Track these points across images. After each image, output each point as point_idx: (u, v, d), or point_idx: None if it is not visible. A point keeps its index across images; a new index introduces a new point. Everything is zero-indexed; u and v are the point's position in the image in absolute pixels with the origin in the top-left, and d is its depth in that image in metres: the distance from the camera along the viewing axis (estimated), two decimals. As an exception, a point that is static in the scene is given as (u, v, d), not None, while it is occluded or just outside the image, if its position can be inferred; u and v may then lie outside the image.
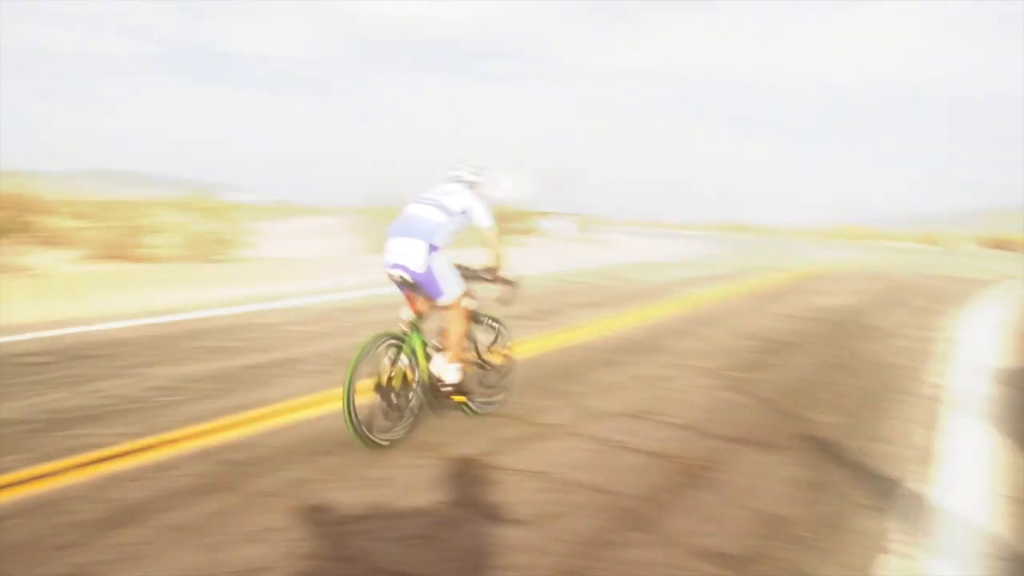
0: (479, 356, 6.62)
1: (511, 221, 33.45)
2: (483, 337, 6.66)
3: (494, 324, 6.75)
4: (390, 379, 5.74)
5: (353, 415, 5.37)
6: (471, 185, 6.26)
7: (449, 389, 6.10)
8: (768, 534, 4.40)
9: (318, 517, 4.36)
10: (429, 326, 6.16)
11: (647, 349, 9.77)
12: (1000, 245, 60.98)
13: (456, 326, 6.07)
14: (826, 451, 5.98)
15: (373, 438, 5.48)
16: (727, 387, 7.91)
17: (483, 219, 6.15)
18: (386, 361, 5.74)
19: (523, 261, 23.24)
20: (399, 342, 5.85)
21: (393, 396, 5.74)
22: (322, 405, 6.54)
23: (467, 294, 6.12)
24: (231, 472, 4.99)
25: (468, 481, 5.03)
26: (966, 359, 10.09)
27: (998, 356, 10.45)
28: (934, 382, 8.59)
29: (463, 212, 6.05)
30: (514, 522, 4.39)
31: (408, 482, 4.94)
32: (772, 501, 4.90)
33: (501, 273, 6.41)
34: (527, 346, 9.33)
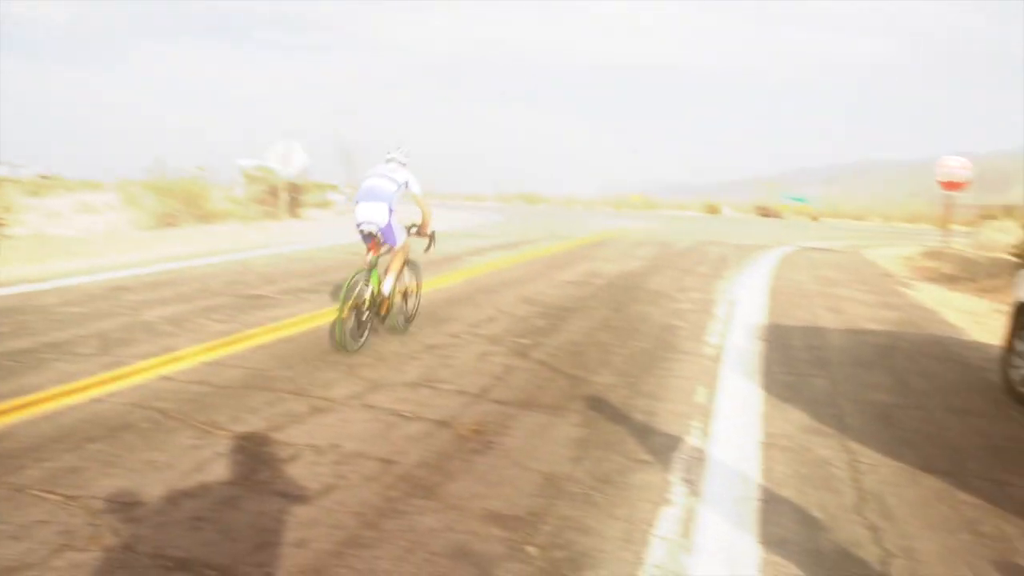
0: (404, 289, 8.96)
1: (304, 193, 32.75)
2: (407, 276, 9.03)
3: (414, 267, 9.27)
4: (361, 302, 7.92)
5: (343, 329, 7.58)
6: (405, 165, 8.60)
7: (383, 297, 8.35)
8: (553, 494, 4.55)
9: (92, 506, 4.12)
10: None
11: (434, 318, 9.80)
12: (767, 213, 65.65)
13: (398, 258, 8.56)
14: (608, 411, 6.25)
15: (349, 345, 7.65)
16: (512, 353, 8.10)
17: (417, 188, 8.56)
18: (358, 290, 7.86)
19: (309, 234, 23.05)
20: (367, 276, 8.07)
21: (363, 314, 7.97)
22: (94, 388, 6.18)
23: (407, 244, 8.61)
24: (-8, 465, 4.65)
25: (253, 458, 4.90)
26: (736, 318, 10.80)
27: (761, 314, 11.23)
28: (707, 341, 9.14)
29: (405, 184, 8.40)
30: (299, 498, 4.32)
31: (190, 463, 4.75)
32: (556, 462, 5.07)
33: (427, 229, 8.97)
34: (312, 322, 9.21)
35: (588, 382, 7.10)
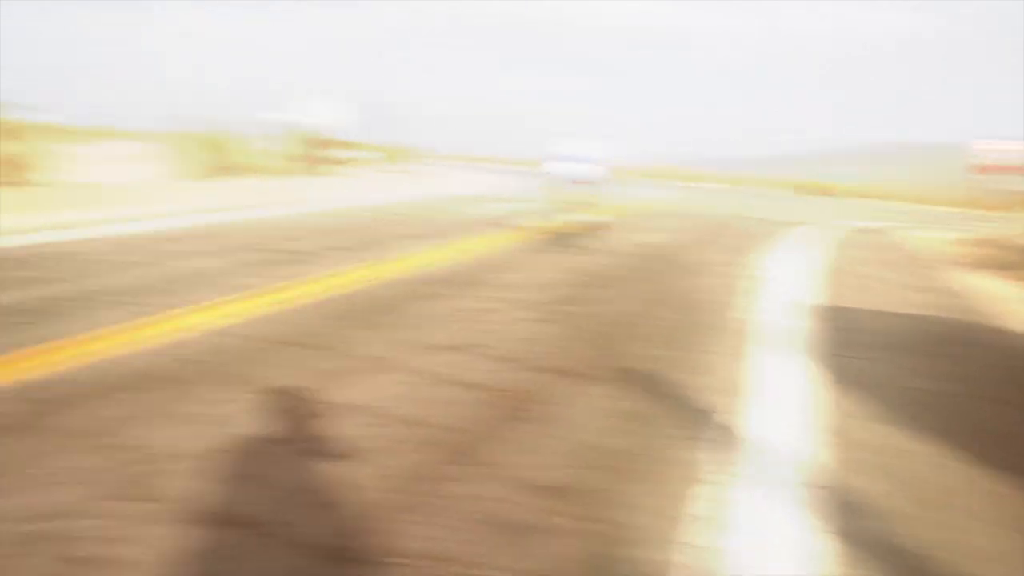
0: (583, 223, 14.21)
1: (341, 150, 32.68)
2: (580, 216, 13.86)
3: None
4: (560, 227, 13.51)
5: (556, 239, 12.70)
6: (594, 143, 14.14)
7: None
8: (589, 465, 4.52)
9: (127, 457, 4.15)
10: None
11: (468, 282, 9.77)
12: (807, 191, 64.69)
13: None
14: (644, 383, 6.18)
15: (556, 249, 12.11)
16: (548, 320, 8.04)
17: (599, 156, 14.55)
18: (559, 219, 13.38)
19: (338, 193, 23.04)
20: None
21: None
22: (137, 337, 6.22)
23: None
24: (33, 411, 4.67)
25: (285, 415, 4.89)
26: (780, 296, 10.62)
27: (813, 294, 11.00)
28: (749, 318, 8.98)
29: (589, 156, 14.13)
30: (337, 458, 4.33)
31: (222, 418, 4.77)
32: (592, 432, 5.03)
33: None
34: (344, 278, 9.21)
35: (623, 352, 7.02)
